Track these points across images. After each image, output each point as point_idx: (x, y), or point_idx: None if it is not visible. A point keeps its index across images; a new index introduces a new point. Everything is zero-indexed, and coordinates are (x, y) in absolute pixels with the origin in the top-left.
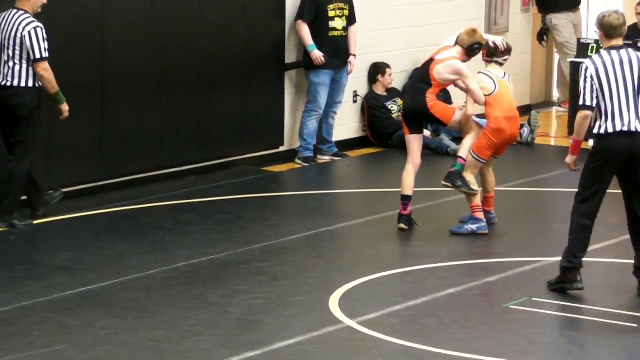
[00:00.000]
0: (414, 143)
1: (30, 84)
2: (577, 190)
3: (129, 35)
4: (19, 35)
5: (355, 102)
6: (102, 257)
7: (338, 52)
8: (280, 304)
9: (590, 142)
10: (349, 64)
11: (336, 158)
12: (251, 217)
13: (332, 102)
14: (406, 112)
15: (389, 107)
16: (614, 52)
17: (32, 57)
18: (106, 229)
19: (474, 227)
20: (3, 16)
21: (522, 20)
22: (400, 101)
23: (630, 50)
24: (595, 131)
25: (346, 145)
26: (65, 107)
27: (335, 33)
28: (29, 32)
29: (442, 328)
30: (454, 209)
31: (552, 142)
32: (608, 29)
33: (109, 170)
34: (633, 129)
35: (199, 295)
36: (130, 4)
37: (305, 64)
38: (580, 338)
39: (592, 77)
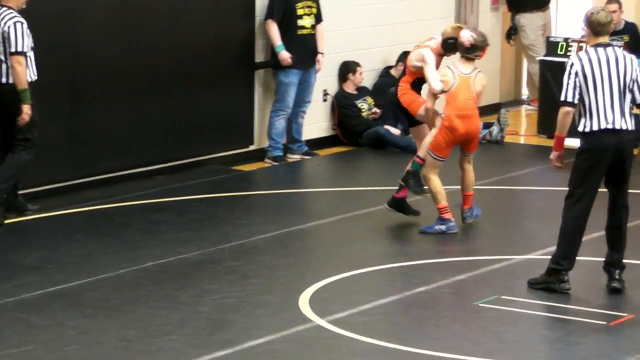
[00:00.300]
0: (415, 137)
1: None
2: (567, 190)
3: (99, 34)
4: (3, 31)
5: (325, 100)
6: (73, 256)
7: (307, 51)
8: (251, 303)
9: (571, 141)
10: (317, 63)
11: (306, 157)
12: (222, 216)
13: (302, 101)
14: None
15: (359, 105)
16: (600, 50)
17: (9, 50)
18: (77, 228)
19: (442, 227)
20: None
21: (492, 19)
22: (370, 99)
23: (616, 48)
24: (580, 129)
25: (316, 144)
26: (27, 108)
27: (304, 31)
28: (9, 27)
29: (412, 326)
30: (425, 207)
31: (522, 140)
32: (596, 25)
33: (80, 169)
34: (618, 127)
35: (170, 294)
36: (101, 3)
37: (274, 63)
38: (550, 336)
39: (577, 73)
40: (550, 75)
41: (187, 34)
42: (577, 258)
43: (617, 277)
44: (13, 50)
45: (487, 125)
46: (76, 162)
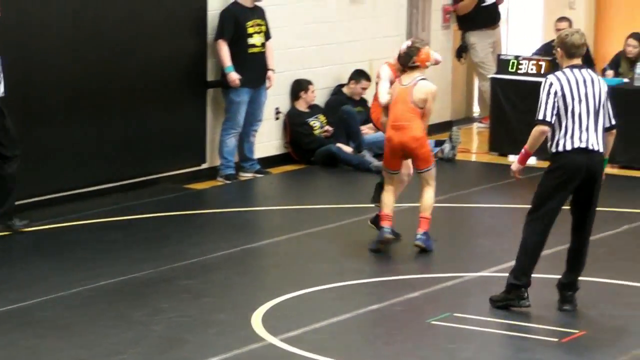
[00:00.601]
0: None
1: None
2: (530, 207)
3: (52, 51)
4: None
5: (277, 119)
6: (26, 275)
7: (257, 69)
8: (204, 321)
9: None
10: (268, 80)
11: (259, 175)
12: (174, 235)
13: (253, 120)
14: None
15: (311, 123)
16: (576, 71)
17: None
18: (30, 247)
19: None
20: None
21: (443, 37)
22: (322, 117)
23: (589, 70)
24: (553, 149)
25: (268, 162)
26: None
27: (255, 50)
28: None
29: (365, 344)
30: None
31: (473, 158)
32: (570, 47)
33: (32, 188)
34: (590, 147)
35: (123, 313)
36: (52, 23)
37: (225, 83)
38: (503, 353)
39: (555, 93)
40: (501, 93)
41: (139, 53)
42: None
43: (570, 299)
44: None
45: (439, 143)
46: (28, 181)
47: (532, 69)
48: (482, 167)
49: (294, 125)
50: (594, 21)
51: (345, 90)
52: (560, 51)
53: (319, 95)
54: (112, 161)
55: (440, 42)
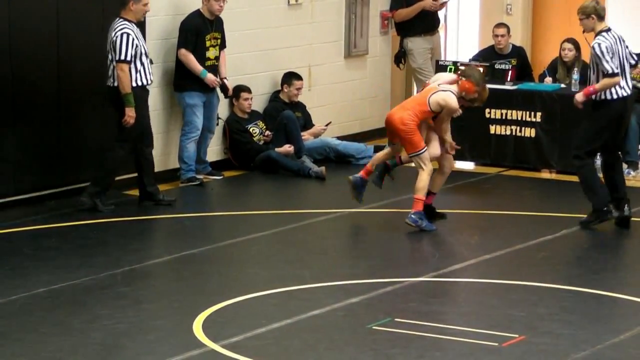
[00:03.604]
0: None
1: None
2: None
3: None
4: (112, 40)
5: (217, 124)
6: None
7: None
8: (143, 328)
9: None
10: (226, 90)
11: (210, 177)
12: (112, 241)
13: (209, 123)
14: None
15: (251, 130)
16: (611, 33)
17: (114, 58)
18: None
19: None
20: None
21: (381, 43)
22: (261, 124)
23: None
24: (609, 96)
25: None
26: (129, 111)
27: (209, 62)
28: (117, 37)
29: (306, 350)
30: (318, 230)
31: (412, 164)
32: (601, 11)
33: None
34: (627, 93)
35: (61, 320)
36: None
37: (175, 85)
38: (443, 358)
39: (607, 49)
40: None
41: (74, 59)
42: (468, 280)
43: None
44: (117, 58)
45: (378, 149)
46: None
47: None
48: None
49: (234, 132)
50: (530, 27)
51: (281, 95)
52: (593, 17)
53: (258, 101)
54: (50, 167)
55: (378, 48)
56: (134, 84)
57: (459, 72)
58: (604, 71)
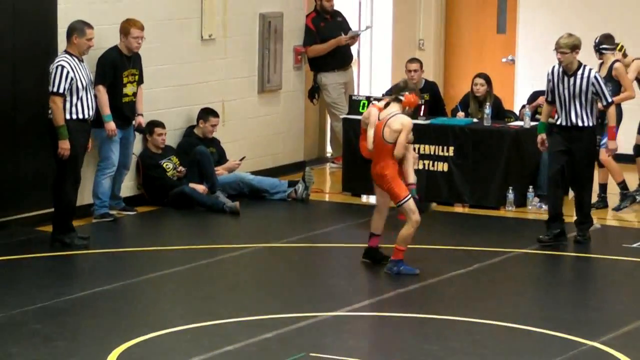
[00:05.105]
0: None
1: None
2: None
3: None
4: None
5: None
6: None
7: (127, 117)
8: None
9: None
10: (140, 124)
11: (124, 212)
12: (24, 279)
13: (125, 159)
14: None
15: (164, 165)
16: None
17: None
18: None
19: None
20: None
21: (295, 78)
22: (175, 159)
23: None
24: (594, 122)
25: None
26: (62, 144)
27: (127, 99)
28: (53, 69)
29: None
30: (232, 266)
31: (326, 198)
32: (579, 45)
33: None
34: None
35: None
36: None
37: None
38: None
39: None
40: (354, 133)
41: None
42: (383, 314)
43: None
44: (50, 90)
45: (292, 184)
46: None
47: None
48: (335, 207)
49: (147, 167)
50: (443, 62)
51: (196, 131)
52: (578, 52)
53: (172, 136)
54: None
55: (292, 83)
56: (69, 117)
57: (394, 91)
58: (607, 100)
